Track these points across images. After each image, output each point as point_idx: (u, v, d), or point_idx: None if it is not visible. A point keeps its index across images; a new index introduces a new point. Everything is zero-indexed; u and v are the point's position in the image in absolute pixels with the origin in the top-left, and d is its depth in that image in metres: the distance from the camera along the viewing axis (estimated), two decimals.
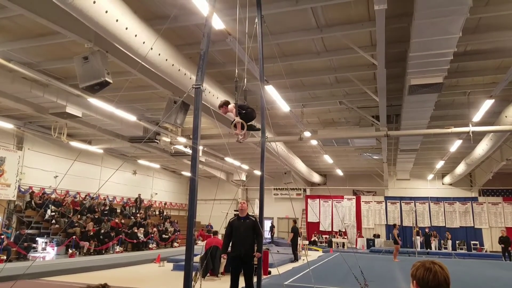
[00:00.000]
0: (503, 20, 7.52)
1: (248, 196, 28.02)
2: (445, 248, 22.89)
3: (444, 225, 24.26)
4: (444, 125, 12.28)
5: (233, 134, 5.85)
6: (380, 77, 8.71)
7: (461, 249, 22.93)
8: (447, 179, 24.48)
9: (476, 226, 23.76)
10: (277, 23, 7.80)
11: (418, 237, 22.32)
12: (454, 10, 5.87)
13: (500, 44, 8.53)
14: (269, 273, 11.31)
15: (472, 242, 23.39)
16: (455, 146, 15.54)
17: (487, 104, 10.58)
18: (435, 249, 22.60)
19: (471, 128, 11.31)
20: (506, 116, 11.14)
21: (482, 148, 14.98)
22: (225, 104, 6.00)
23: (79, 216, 17.58)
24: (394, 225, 18.06)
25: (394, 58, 8.81)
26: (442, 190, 25.23)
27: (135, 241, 18.88)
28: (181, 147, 16.13)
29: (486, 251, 22.33)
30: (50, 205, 16.89)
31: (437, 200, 24.90)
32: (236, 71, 6.03)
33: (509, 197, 23.88)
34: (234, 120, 5.77)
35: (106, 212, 20.11)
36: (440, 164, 20.34)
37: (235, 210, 17.85)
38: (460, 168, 20.20)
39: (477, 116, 11.42)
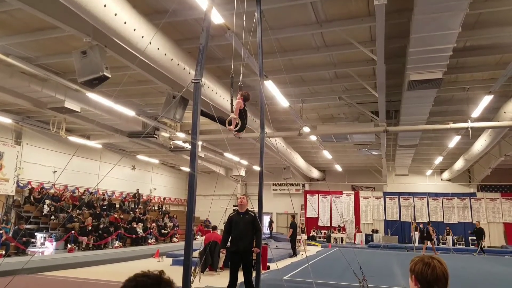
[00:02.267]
0: (503, 16, 7.51)
1: (247, 192, 28.05)
2: (444, 244, 22.98)
3: (442, 220, 24.36)
4: (443, 120, 12.28)
5: (227, 129, 5.82)
6: (380, 72, 8.69)
7: (459, 244, 23.03)
8: (446, 174, 24.54)
9: (474, 221, 23.82)
10: (276, 18, 7.77)
11: (416, 233, 22.39)
12: (454, 5, 5.85)
13: (500, 40, 8.51)
14: (268, 268, 11.35)
15: (470, 237, 23.48)
16: (454, 141, 15.56)
17: (486, 100, 10.57)
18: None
19: (470, 124, 11.31)
20: (505, 112, 11.15)
21: (480, 144, 15.00)
22: (246, 99, 5.87)
23: (77, 211, 17.60)
24: (428, 223, 18.86)
25: (393, 54, 8.79)
26: (440, 186, 25.30)
27: (134, 236, 18.91)
28: (180, 143, 16.12)
29: (484, 247, 22.41)
30: (46, 201, 16.86)
31: (435, 195, 24.99)
32: (232, 66, 5.99)
33: (507, 192, 23.96)
34: (230, 115, 5.72)
35: (105, 207, 20.13)
36: (438, 159, 20.37)
37: (234, 205, 17.88)
38: (459, 164, 20.24)
39: (476, 111, 11.42)
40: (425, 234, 18.05)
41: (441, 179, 25.42)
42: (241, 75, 6.24)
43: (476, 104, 11.16)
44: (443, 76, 8.36)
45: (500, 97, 11.05)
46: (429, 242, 17.88)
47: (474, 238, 20.76)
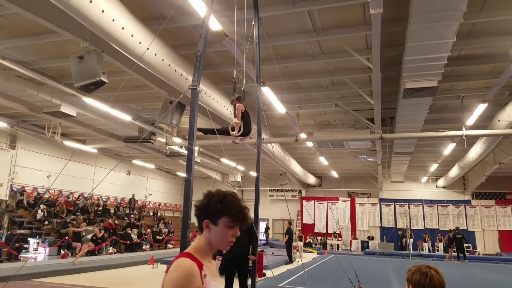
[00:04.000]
0: (497, 25, 7.61)
1: (244, 197, 27.99)
2: (438, 250, 23.01)
3: (437, 227, 24.41)
4: (438, 128, 12.36)
5: (232, 135, 5.83)
6: (375, 80, 8.76)
7: (454, 251, 23.01)
8: (441, 182, 24.64)
9: (469, 229, 23.91)
10: (274, 25, 7.82)
11: (411, 240, 22.45)
12: (449, 15, 5.93)
13: (494, 49, 8.63)
14: (264, 275, 11.30)
15: (465, 245, 23.48)
16: (448, 149, 15.65)
17: (481, 108, 10.68)
18: (428, 251, 22.70)
19: (464, 132, 11.40)
20: (499, 120, 11.24)
21: (475, 152, 15.10)
22: (241, 99, 5.89)
23: (72, 216, 17.47)
24: (450, 230, 19.15)
25: (389, 62, 8.86)
26: (435, 193, 25.39)
27: (128, 242, 18.77)
28: (176, 148, 16.09)
29: (479, 254, 22.47)
30: (40, 206, 16.73)
31: (430, 202, 25.05)
32: (235, 72, 6.03)
33: (501, 200, 24.06)
34: (233, 121, 5.73)
35: (100, 212, 19.99)
36: (434, 167, 20.47)
37: None
38: (454, 171, 20.34)
39: (471, 119, 11.52)
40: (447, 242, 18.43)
41: (436, 186, 25.51)
42: (243, 80, 6.28)
43: (471, 112, 11.25)
44: (438, 84, 8.44)
45: (494, 105, 11.15)
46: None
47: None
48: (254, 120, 8.25)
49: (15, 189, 16.72)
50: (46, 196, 17.98)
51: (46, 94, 11.07)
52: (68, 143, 16.58)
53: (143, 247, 19.74)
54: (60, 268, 11.30)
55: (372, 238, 25.09)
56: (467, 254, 22.15)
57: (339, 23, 7.78)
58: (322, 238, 25.42)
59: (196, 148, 15.87)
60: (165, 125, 11.59)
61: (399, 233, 23.54)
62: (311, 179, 25.31)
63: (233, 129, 5.63)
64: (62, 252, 15.27)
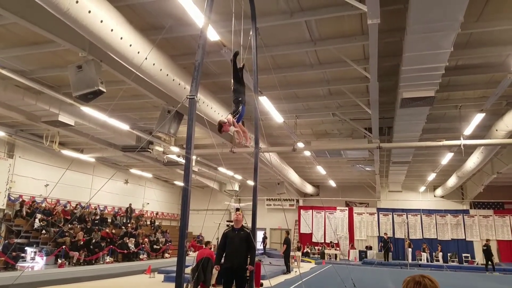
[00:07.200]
0: (493, 36, 7.68)
1: (241, 207, 27.89)
2: (437, 261, 22.93)
3: (436, 237, 24.35)
4: (435, 138, 12.40)
5: (236, 143, 5.83)
6: (373, 90, 8.80)
7: (453, 261, 22.97)
8: (439, 191, 24.63)
9: (468, 238, 23.86)
10: (271, 35, 7.88)
11: (410, 249, 22.37)
12: (446, 25, 5.98)
13: (491, 59, 8.69)
14: (261, 285, 11.20)
15: (463, 254, 23.45)
16: (446, 158, 15.67)
17: (478, 117, 10.73)
18: (426, 261, 22.61)
19: (462, 141, 11.43)
20: (496, 130, 11.28)
21: (473, 161, 15.12)
22: (223, 123, 5.59)
23: (69, 225, 17.36)
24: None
25: (386, 72, 8.92)
26: (433, 202, 25.36)
27: (125, 251, 18.65)
28: (174, 157, 16.07)
29: (477, 264, 22.37)
30: (37, 214, 16.62)
31: (429, 212, 25.01)
32: (232, 82, 6.05)
33: (500, 210, 24.05)
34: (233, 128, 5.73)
35: (97, 221, 19.87)
36: (431, 176, 20.47)
37: (227, 221, 17.76)
38: (452, 181, 20.34)
39: (468, 129, 11.56)
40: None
41: (434, 196, 25.49)
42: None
43: (468, 121, 11.30)
44: (435, 94, 8.47)
45: (492, 115, 11.20)
46: None
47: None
48: (252, 129, 8.27)
49: (12, 198, 16.63)
50: (44, 205, 17.89)
51: (44, 103, 11.08)
52: (66, 152, 16.55)
53: (140, 257, 19.59)
54: (57, 277, 11.17)
55: (370, 248, 24.98)
56: (465, 264, 22.15)
57: (336, 33, 7.84)
58: (320, 248, 25.29)
59: (194, 157, 15.87)
60: (163, 134, 11.59)
61: (385, 237, 23.15)
62: (309, 189, 25.26)
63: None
64: (59, 261, 15.15)
